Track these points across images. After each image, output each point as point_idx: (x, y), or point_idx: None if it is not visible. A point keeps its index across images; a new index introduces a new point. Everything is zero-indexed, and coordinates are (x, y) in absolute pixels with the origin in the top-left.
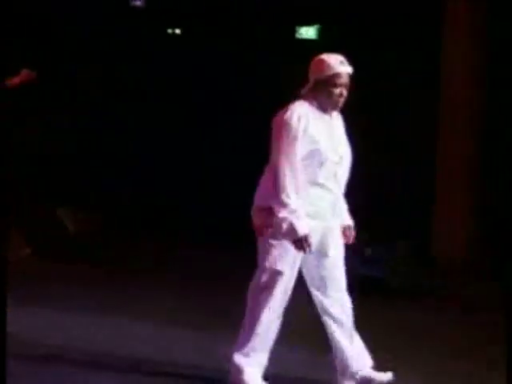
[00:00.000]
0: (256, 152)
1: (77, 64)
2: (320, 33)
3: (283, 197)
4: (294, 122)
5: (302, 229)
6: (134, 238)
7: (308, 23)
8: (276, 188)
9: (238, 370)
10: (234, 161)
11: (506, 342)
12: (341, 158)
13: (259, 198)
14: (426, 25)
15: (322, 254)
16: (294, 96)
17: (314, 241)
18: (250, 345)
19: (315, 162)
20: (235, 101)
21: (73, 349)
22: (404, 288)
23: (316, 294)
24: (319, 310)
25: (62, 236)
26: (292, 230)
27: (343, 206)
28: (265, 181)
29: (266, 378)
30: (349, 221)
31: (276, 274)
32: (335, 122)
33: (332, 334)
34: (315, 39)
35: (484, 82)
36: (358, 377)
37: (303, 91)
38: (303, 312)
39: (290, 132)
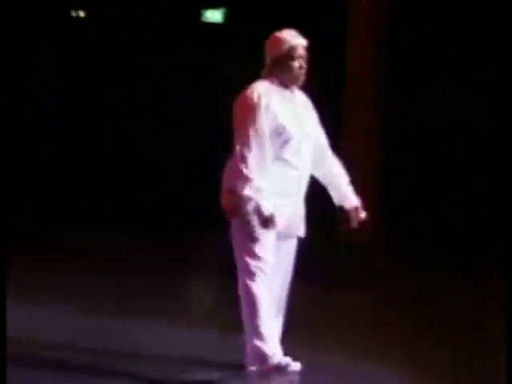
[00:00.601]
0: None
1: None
2: (226, 16)
3: (247, 173)
4: (254, 99)
5: (267, 209)
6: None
7: (214, 6)
8: (240, 165)
9: (261, 355)
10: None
11: (506, 342)
12: (307, 135)
13: (227, 181)
14: (332, 15)
15: (288, 234)
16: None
17: (281, 220)
18: (259, 330)
19: (280, 139)
20: (141, 84)
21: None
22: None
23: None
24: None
25: None
26: (258, 210)
27: (347, 187)
28: (232, 163)
29: (179, 361)
30: (355, 202)
31: (255, 251)
32: (299, 100)
33: None
34: (221, 23)
35: (385, 78)
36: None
37: (262, 73)
38: (215, 296)
39: (252, 109)
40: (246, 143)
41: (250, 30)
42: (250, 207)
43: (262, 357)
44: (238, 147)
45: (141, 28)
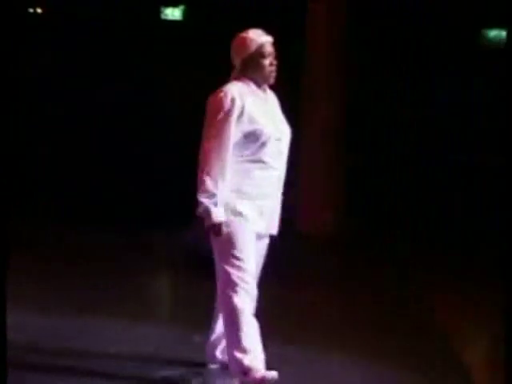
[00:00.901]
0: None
1: None
2: (185, 14)
3: (204, 177)
4: (227, 102)
5: (216, 216)
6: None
7: (173, 4)
8: (199, 169)
9: (242, 368)
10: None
11: (506, 342)
12: (282, 134)
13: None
14: (292, 13)
15: (263, 235)
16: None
17: (261, 222)
18: (240, 343)
19: (258, 141)
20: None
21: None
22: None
23: None
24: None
25: None
26: (207, 215)
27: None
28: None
29: (140, 358)
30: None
31: (237, 260)
32: (270, 99)
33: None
34: (181, 20)
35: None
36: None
37: (232, 75)
38: (175, 293)
39: (222, 113)
40: (209, 147)
41: (209, 27)
42: (201, 212)
43: (243, 369)
44: (203, 149)
45: (101, 25)
